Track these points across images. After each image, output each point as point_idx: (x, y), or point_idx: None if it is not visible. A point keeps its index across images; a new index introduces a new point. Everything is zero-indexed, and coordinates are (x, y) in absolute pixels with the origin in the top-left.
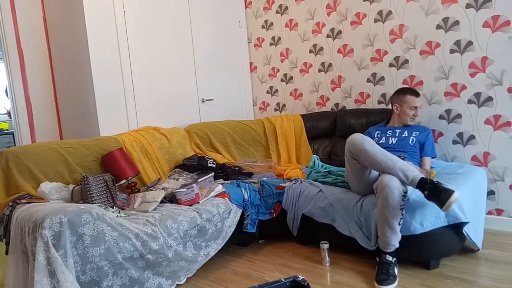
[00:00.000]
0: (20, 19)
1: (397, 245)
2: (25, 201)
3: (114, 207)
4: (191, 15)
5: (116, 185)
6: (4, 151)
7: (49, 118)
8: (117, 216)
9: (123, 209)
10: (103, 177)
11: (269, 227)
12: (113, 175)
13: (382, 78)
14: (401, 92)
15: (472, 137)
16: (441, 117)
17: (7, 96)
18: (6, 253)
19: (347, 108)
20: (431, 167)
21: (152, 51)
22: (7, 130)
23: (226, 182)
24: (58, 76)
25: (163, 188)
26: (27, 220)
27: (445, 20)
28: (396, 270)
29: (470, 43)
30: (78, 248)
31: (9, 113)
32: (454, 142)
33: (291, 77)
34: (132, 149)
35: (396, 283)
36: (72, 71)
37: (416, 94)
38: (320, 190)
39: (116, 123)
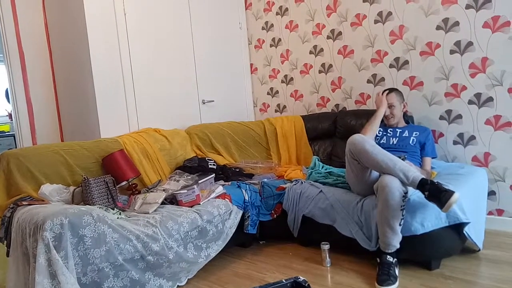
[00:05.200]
0: (21, 21)
1: (398, 246)
2: (26, 203)
3: (115, 208)
4: (192, 17)
5: (117, 186)
6: (5, 153)
7: (50, 120)
8: (117, 218)
9: (124, 210)
10: (104, 179)
11: (270, 228)
12: (113, 176)
13: (383, 79)
14: None
15: (472, 137)
16: (441, 117)
17: (8, 98)
18: (7, 255)
19: (347, 109)
20: (432, 168)
21: (153, 53)
22: (8, 132)
23: (226, 183)
24: (59, 78)
25: (163, 190)
26: (28, 222)
27: (445, 20)
28: (397, 271)
29: (470, 43)
30: (79, 250)
31: (10, 115)
32: (455, 142)
33: (292, 78)
34: (133, 151)
35: (397, 284)
36: (73, 73)
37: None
38: (321, 191)
39: (117, 124)
